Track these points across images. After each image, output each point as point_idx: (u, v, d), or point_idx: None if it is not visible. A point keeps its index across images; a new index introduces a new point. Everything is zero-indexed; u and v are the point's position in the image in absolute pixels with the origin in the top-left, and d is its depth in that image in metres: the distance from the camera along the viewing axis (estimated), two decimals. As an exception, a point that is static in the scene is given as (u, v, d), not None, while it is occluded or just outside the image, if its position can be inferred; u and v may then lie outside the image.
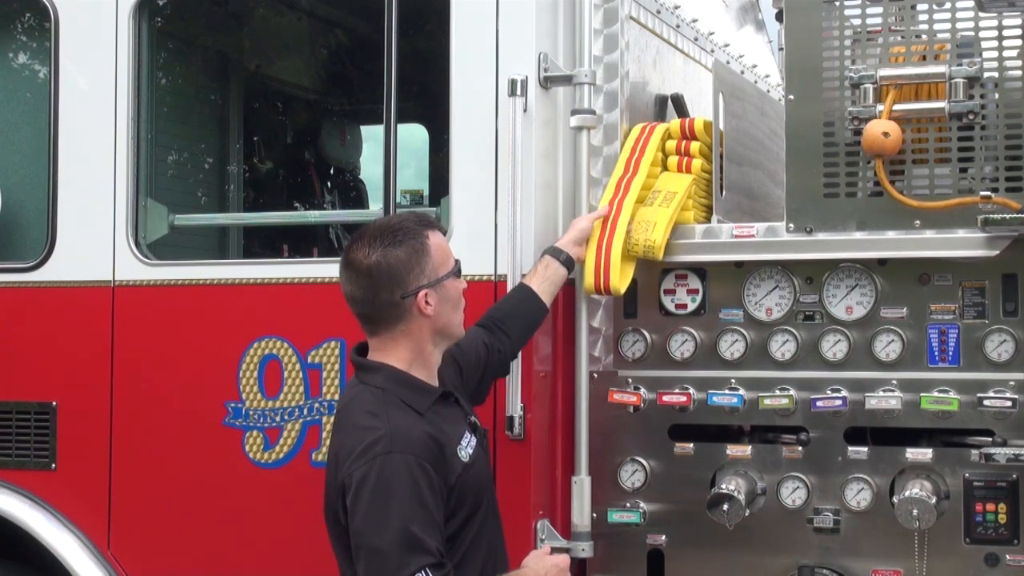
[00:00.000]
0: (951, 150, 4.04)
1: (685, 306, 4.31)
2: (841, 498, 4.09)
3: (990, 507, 3.98)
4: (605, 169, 4.36)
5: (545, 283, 4.09)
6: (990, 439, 4.00)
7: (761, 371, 4.21)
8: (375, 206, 6.08)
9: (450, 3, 4.37)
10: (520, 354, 4.11)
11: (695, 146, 4.38)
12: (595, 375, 4.33)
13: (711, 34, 5.43)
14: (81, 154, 4.81)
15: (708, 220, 4.33)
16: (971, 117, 3.98)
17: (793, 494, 4.14)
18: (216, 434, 4.57)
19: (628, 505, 4.29)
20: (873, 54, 4.13)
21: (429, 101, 5.39)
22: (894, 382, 4.08)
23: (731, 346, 4.23)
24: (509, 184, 4.18)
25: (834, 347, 4.14)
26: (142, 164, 4.82)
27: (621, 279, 4.17)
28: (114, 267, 4.74)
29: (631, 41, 4.53)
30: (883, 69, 4.06)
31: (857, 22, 4.15)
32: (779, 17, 4.47)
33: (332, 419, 3.77)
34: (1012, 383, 3.98)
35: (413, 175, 6.50)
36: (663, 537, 4.27)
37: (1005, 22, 4.00)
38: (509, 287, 4.14)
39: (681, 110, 4.86)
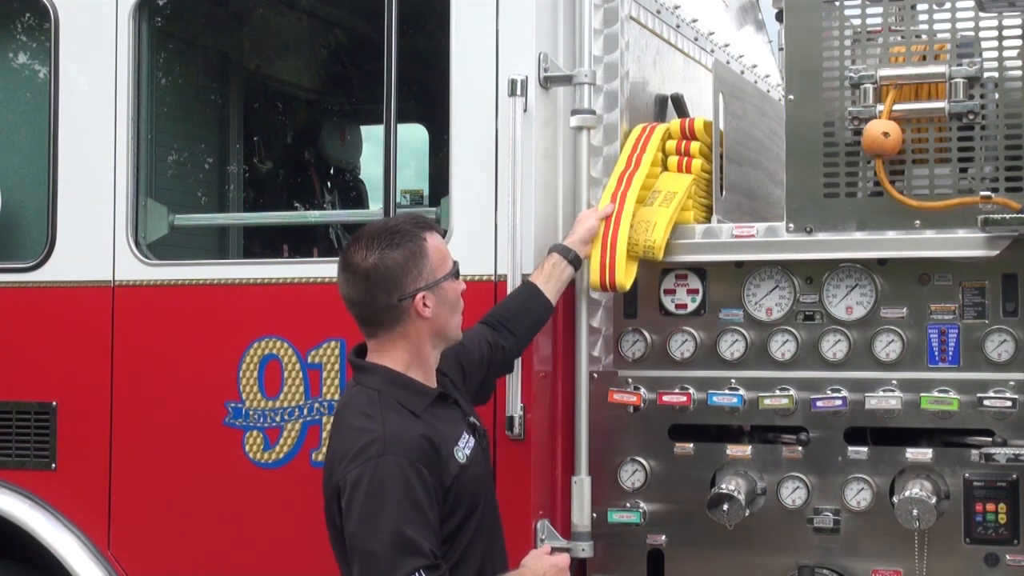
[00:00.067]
0: (951, 150, 4.03)
1: (685, 306, 4.31)
2: (841, 498, 4.09)
3: (990, 507, 3.98)
4: (605, 169, 4.36)
5: (551, 281, 4.09)
6: (990, 439, 3.99)
7: (761, 371, 4.21)
8: (375, 206, 6.08)
9: (450, 3, 4.37)
10: (521, 354, 4.11)
11: (695, 146, 4.38)
12: (595, 375, 4.33)
13: (711, 34, 5.43)
14: (81, 154, 4.81)
15: (708, 220, 4.33)
16: (971, 117, 3.98)
17: (793, 494, 4.14)
18: (216, 434, 4.57)
19: (628, 505, 4.29)
20: (873, 54, 4.13)
21: (429, 101, 5.39)
22: (894, 382, 4.08)
23: (731, 346, 4.23)
24: (509, 184, 4.18)
25: (834, 347, 4.14)
26: (142, 164, 4.82)
27: (626, 275, 4.17)
28: (114, 267, 4.74)
29: (631, 41, 4.53)
30: (883, 69, 4.06)
31: (857, 22, 4.15)
32: (779, 17, 4.47)
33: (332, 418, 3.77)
34: (1012, 383, 3.98)
35: (413, 175, 6.50)
36: (663, 537, 4.27)
37: (1005, 22, 4.00)
38: (509, 287, 4.14)
39: (681, 110, 4.87)
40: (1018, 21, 3.98)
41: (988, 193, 3.93)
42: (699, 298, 4.30)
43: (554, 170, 4.37)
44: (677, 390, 4.25)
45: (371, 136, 6.58)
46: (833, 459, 4.12)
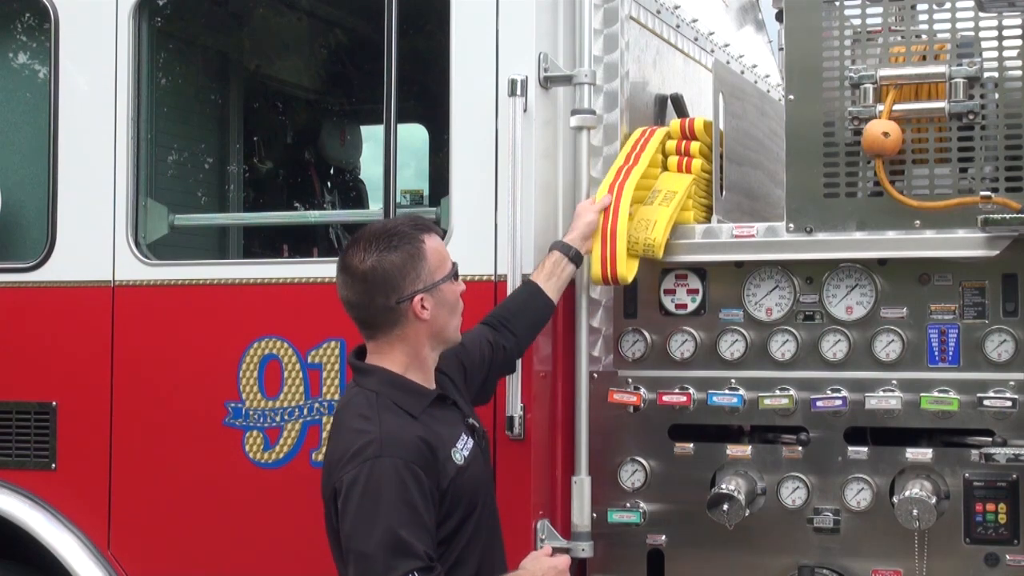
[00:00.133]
0: (951, 150, 4.03)
1: (685, 306, 4.31)
2: (841, 498, 4.09)
3: (990, 507, 3.98)
4: (605, 169, 4.35)
5: (552, 280, 4.08)
6: (990, 439, 3.99)
7: (761, 371, 4.21)
8: (375, 206, 6.08)
9: (450, 3, 4.37)
10: (523, 354, 4.11)
11: (695, 146, 4.38)
12: (595, 375, 4.33)
13: (711, 34, 5.43)
14: (81, 154, 4.81)
15: (708, 220, 4.33)
16: (971, 117, 3.98)
17: (793, 494, 4.14)
18: (216, 434, 4.57)
19: (628, 505, 4.29)
20: (873, 54, 4.13)
21: (429, 101, 5.39)
22: (894, 382, 4.08)
23: (731, 346, 4.23)
24: (509, 184, 4.18)
25: (834, 347, 4.14)
26: (142, 164, 4.82)
27: (628, 268, 4.16)
28: (114, 267, 4.74)
29: (631, 41, 4.53)
30: (883, 69, 4.06)
31: (857, 22, 4.15)
32: (779, 17, 4.47)
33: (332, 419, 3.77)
34: (1012, 383, 3.98)
35: (413, 175, 6.49)
36: (663, 537, 4.27)
37: (1005, 22, 4.00)
38: (509, 287, 4.14)
39: (681, 110, 4.86)
40: (1018, 21, 3.98)
41: (988, 193, 3.93)
42: (699, 298, 4.30)
43: (554, 170, 4.37)
44: (677, 390, 4.25)
45: (371, 136, 6.58)
46: (833, 459, 4.12)
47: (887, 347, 4.09)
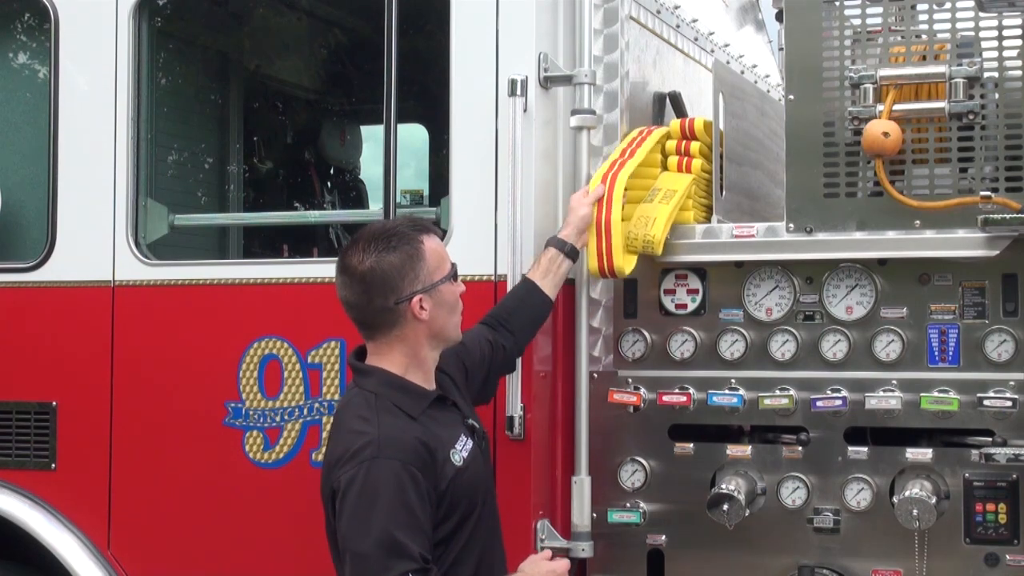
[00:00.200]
0: (951, 150, 4.03)
1: (685, 306, 4.31)
2: (841, 498, 4.09)
3: (990, 507, 3.98)
4: (605, 169, 4.36)
5: (549, 276, 4.08)
6: (990, 439, 3.99)
7: (761, 371, 4.21)
8: (375, 206, 6.08)
9: (450, 3, 4.37)
10: (523, 353, 4.11)
11: (695, 146, 4.38)
12: (595, 375, 4.33)
13: (711, 34, 5.43)
14: (81, 154, 4.81)
15: (708, 220, 4.33)
16: (971, 117, 3.98)
17: (793, 494, 4.14)
18: (216, 434, 4.57)
19: (628, 505, 4.29)
20: (873, 54, 4.13)
21: (429, 101, 5.39)
22: (894, 382, 4.08)
23: (731, 346, 4.23)
24: (509, 184, 4.18)
25: (834, 347, 4.14)
26: (142, 164, 4.82)
27: (625, 260, 4.15)
28: (114, 267, 4.74)
29: (631, 41, 4.52)
30: (883, 69, 4.06)
31: (857, 22, 4.15)
32: (779, 17, 4.47)
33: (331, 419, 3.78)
34: (1012, 383, 3.98)
35: (413, 175, 6.49)
36: (663, 537, 4.27)
37: (1005, 22, 4.00)
38: (509, 288, 4.14)
39: (679, 108, 4.86)
40: (1018, 21, 3.98)
41: (988, 193, 3.93)
42: (699, 298, 4.30)
43: (554, 170, 4.37)
44: (677, 390, 4.25)
45: (371, 136, 6.58)
46: (833, 459, 4.12)
47: (887, 347, 4.09)
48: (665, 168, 4.39)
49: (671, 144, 4.41)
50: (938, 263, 4.06)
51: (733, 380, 4.22)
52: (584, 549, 4.24)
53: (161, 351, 4.67)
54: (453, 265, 3.64)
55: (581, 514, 4.25)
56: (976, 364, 4.03)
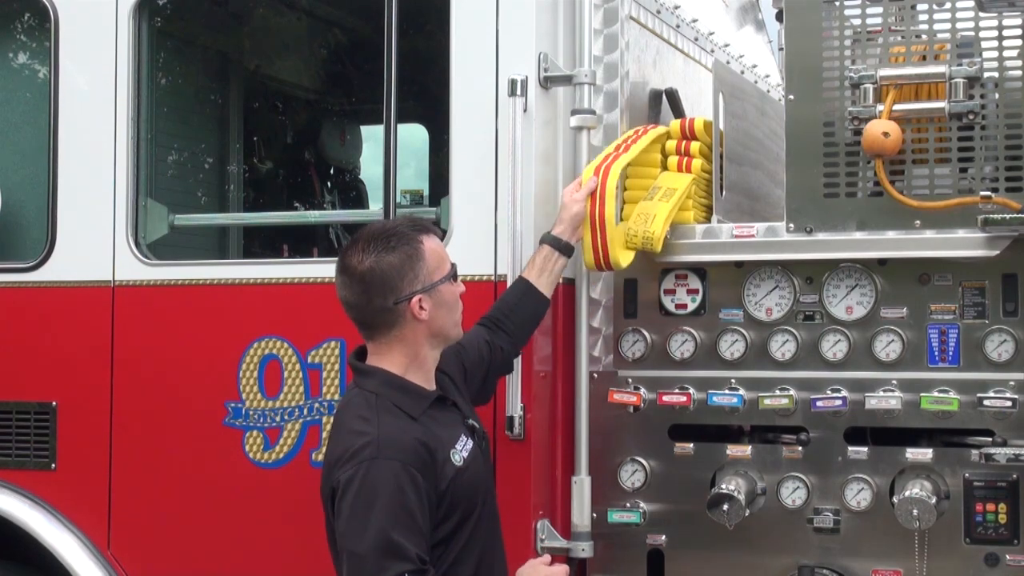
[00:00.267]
0: (951, 150, 4.03)
1: (685, 306, 4.31)
2: (841, 498, 4.09)
3: (990, 507, 3.98)
4: (605, 169, 4.35)
5: (544, 275, 4.06)
6: (990, 439, 3.99)
7: (761, 371, 4.21)
8: (375, 206, 6.08)
9: (450, 3, 4.37)
10: (520, 354, 4.11)
11: (695, 146, 4.38)
12: (595, 375, 4.33)
13: (711, 34, 5.43)
14: (81, 154, 4.81)
15: (708, 220, 4.33)
16: (971, 117, 3.98)
17: (793, 494, 4.14)
18: (216, 434, 4.57)
19: (628, 505, 4.29)
20: (873, 54, 4.13)
21: (429, 101, 5.39)
22: (894, 382, 4.08)
23: (731, 346, 4.23)
24: (509, 184, 4.18)
25: (834, 347, 4.14)
26: (142, 164, 4.82)
27: (622, 254, 4.14)
28: (114, 267, 4.74)
29: (631, 41, 4.52)
30: (883, 69, 4.06)
31: (857, 22, 4.15)
32: (779, 17, 4.47)
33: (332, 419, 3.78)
34: (1012, 383, 3.98)
35: (413, 175, 6.50)
36: (663, 537, 4.27)
37: (1005, 22, 4.00)
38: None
39: (676, 105, 4.85)
40: (1018, 21, 3.98)
41: (988, 193, 3.93)
42: (699, 298, 4.30)
43: (554, 170, 4.37)
44: (677, 390, 4.25)
45: (371, 136, 6.58)
46: (833, 459, 4.12)
47: (887, 347, 4.09)
48: (665, 168, 4.39)
49: (671, 144, 4.41)
50: (938, 263, 4.06)
51: (733, 380, 4.22)
52: (584, 549, 4.24)
53: (161, 351, 4.67)
54: (453, 265, 3.64)
55: (581, 514, 4.25)
56: (976, 364, 4.03)
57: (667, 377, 4.28)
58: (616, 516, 4.28)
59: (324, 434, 4.42)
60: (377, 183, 5.01)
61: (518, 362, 4.12)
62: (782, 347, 4.19)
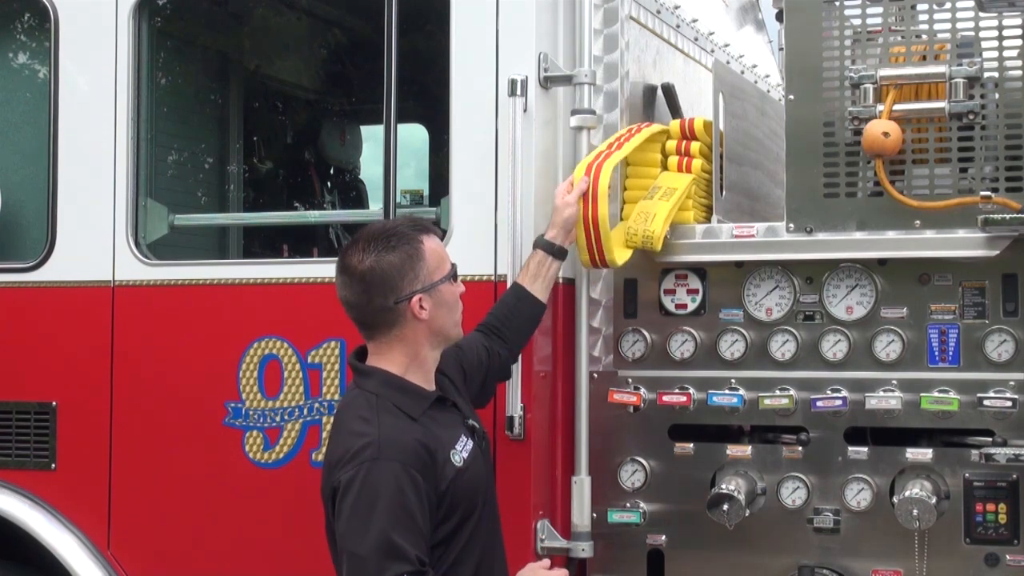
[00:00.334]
0: (951, 150, 4.03)
1: (685, 306, 4.31)
2: (841, 498, 4.09)
3: (990, 507, 3.98)
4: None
5: (539, 280, 4.06)
6: (990, 439, 3.99)
7: (761, 371, 4.21)
8: (375, 206, 6.08)
9: (450, 3, 4.37)
10: (518, 360, 4.11)
11: (695, 146, 4.38)
12: (595, 375, 4.33)
13: (711, 34, 5.43)
14: (81, 154, 4.81)
15: (708, 220, 4.33)
16: (971, 117, 3.98)
17: (793, 494, 4.14)
18: (216, 434, 4.57)
19: (628, 505, 4.29)
20: (873, 54, 4.13)
21: (429, 101, 5.39)
22: (894, 382, 4.08)
23: (731, 346, 4.23)
24: (509, 184, 4.18)
25: (834, 347, 4.14)
26: (142, 164, 4.82)
27: (619, 252, 4.13)
28: (114, 267, 4.74)
29: (631, 41, 4.52)
30: (883, 69, 4.06)
31: (857, 22, 4.15)
32: (779, 17, 4.47)
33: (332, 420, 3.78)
34: (1012, 383, 3.98)
35: (413, 175, 6.50)
36: (663, 537, 4.27)
37: (1005, 22, 4.00)
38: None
39: (672, 100, 4.83)
40: (1018, 21, 3.98)
41: (988, 193, 3.93)
42: (699, 298, 4.30)
43: (554, 170, 4.37)
44: (677, 390, 4.25)
45: (371, 136, 6.58)
46: (833, 459, 4.12)
47: (887, 347, 4.09)
48: (665, 168, 4.39)
49: (671, 144, 4.41)
50: (938, 263, 4.06)
51: (733, 380, 4.22)
52: (584, 549, 4.24)
53: (161, 351, 4.67)
54: (453, 265, 3.64)
55: (581, 514, 4.25)
56: (976, 364, 4.03)
57: (667, 377, 4.28)
58: (616, 516, 4.28)
59: (324, 434, 4.42)
60: (377, 183, 5.01)
61: (518, 362, 4.11)
62: (782, 347, 4.19)
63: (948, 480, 4.02)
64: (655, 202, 4.21)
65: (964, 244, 3.99)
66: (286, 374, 4.51)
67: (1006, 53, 4.00)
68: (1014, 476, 3.97)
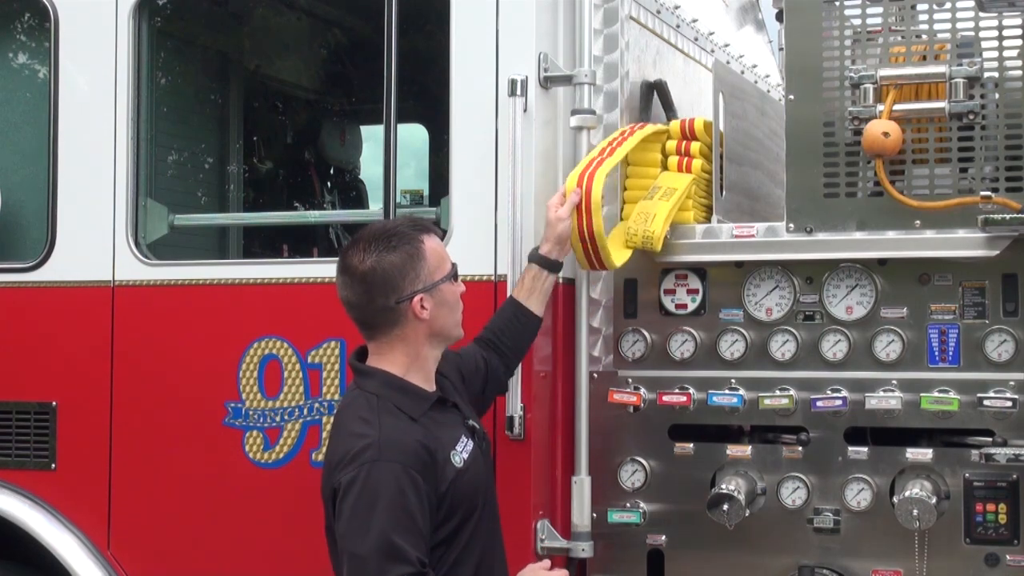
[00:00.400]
0: (951, 150, 4.04)
1: (685, 306, 4.31)
2: (841, 498, 4.09)
3: (990, 507, 3.98)
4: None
5: (535, 295, 4.04)
6: (990, 439, 3.99)
7: (761, 371, 4.21)
8: (375, 206, 6.08)
9: (450, 3, 4.37)
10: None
11: (695, 146, 4.38)
12: (595, 375, 4.33)
13: (711, 34, 5.43)
14: (81, 154, 4.81)
15: (708, 220, 4.33)
16: (971, 117, 3.98)
17: (793, 494, 4.14)
18: (216, 434, 4.57)
19: (628, 505, 4.29)
20: (873, 54, 4.13)
21: (429, 101, 5.38)
22: (894, 382, 4.08)
23: (731, 346, 4.23)
24: (509, 184, 4.17)
25: (834, 347, 4.14)
26: (142, 164, 4.82)
27: (614, 253, 4.13)
28: (114, 267, 4.74)
29: (631, 41, 4.52)
30: (883, 69, 4.06)
31: (857, 22, 4.15)
32: (779, 17, 4.47)
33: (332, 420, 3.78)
34: (1012, 383, 3.98)
35: (413, 175, 6.50)
36: (663, 537, 4.27)
37: (1005, 22, 4.00)
38: (509, 287, 4.13)
39: (665, 98, 4.82)
40: (1018, 21, 3.98)
41: (988, 193, 3.93)
42: (699, 298, 4.30)
43: (554, 170, 4.37)
44: (677, 390, 4.25)
45: (371, 136, 6.58)
46: (833, 459, 4.12)
47: (887, 347, 4.09)
48: (665, 168, 4.39)
49: (671, 144, 4.41)
50: (938, 263, 4.06)
51: (733, 380, 4.22)
52: (584, 549, 4.23)
53: (161, 351, 4.67)
54: (453, 265, 3.65)
55: (581, 514, 4.25)
56: (976, 364, 4.03)
57: (667, 377, 4.28)
58: (616, 516, 4.28)
59: (324, 434, 4.42)
60: (377, 183, 5.01)
61: (517, 369, 4.11)
62: (782, 347, 4.19)
63: (948, 480, 4.02)
64: (655, 202, 4.21)
65: (964, 244, 3.99)
66: (286, 374, 4.51)
67: (1006, 53, 4.00)
68: (1014, 476, 3.97)
